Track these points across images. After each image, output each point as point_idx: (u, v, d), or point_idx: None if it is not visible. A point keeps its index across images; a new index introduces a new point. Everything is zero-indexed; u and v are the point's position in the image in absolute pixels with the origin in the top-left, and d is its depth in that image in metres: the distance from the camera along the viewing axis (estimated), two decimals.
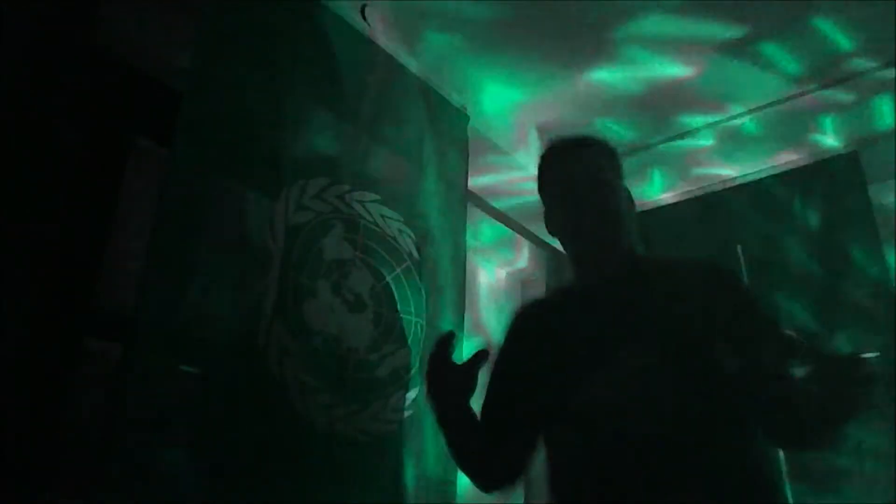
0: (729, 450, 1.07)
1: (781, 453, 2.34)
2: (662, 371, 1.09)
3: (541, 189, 1.38)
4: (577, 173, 1.28)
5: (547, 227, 1.39)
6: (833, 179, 2.76)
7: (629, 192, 1.32)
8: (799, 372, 1.07)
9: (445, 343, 1.24)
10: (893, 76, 2.54)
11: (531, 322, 1.36)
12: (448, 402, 1.25)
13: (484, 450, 1.27)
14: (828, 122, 2.82)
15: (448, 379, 1.22)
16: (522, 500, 2.91)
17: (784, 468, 2.46)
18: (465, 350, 1.87)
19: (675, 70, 2.68)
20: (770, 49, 2.55)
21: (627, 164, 1.36)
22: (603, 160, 1.30)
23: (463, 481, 1.99)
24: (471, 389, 1.24)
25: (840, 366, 1.05)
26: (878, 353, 2.46)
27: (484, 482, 1.32)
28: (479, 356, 1.22)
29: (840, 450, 2.36)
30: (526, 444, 1.28)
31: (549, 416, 1.20)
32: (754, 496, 1.07)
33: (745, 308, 1.20)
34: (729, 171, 3.12)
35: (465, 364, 1.23)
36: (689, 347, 1.11)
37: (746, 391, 1.10)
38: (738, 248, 2.88)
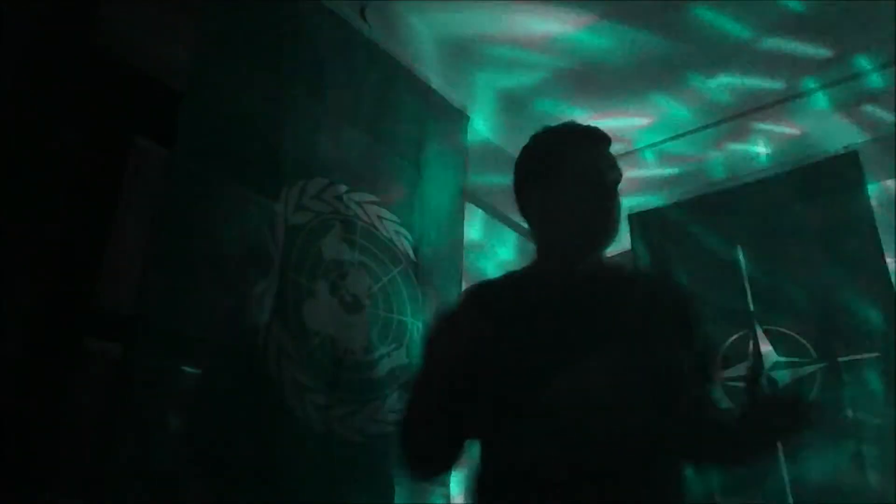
0: (652, 462, 1.09)
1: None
2: (629, 369, 1.10)
3: (547, 163, 1.27)
4: (609, 165, 1.26)
5: (526, 201, 1.29)
6: (833, 179, 2.76)
7: None
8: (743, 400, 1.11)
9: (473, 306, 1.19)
10: (893, 76, 2.54)
11: (491, 303, 1.25)
12: (452, 359, 1.14)
13: (440, 426, 1.18)
14: (828, 121, 2.82)
15: (454, 328, 1.14)
16: None
17: (786, 477, 2.47)
18: None
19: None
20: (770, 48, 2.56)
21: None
22: (616, 161, 1.30)
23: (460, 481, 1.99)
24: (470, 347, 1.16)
25: (780, 407, 1.10)
26: (877, 354, 2.46)
27: (432, 466, 1.26)
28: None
29: (833, 453, 2.38)
30: (472, 429, 1.20)
31: (495, 402, 1.16)
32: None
33: (693, 336, 1.22)
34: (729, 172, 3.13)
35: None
36: (645, 352, 1.12)
37: (671, 412, 1.12)
38: (738, 248, 2.88)
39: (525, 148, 1.34)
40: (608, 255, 1.31)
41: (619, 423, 1.06)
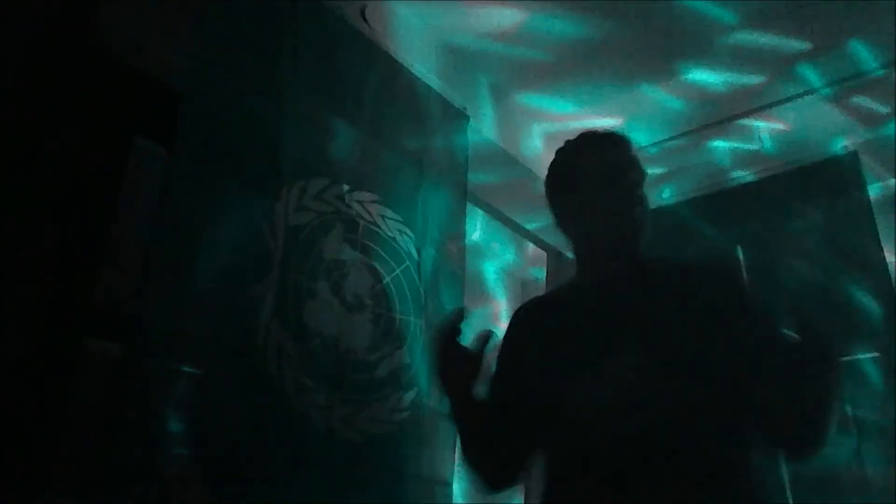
0: (721, 455, 1.07)
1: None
2: (660, 373, 1.09)
3: (572, 172, 1.32)
4: (631, 168, 1.28)
5: (560, 212, 1.34)
6: (833, 179, 2.76)
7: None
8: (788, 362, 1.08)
9: (453, 323, 1.22)
10: (893, 76, 2.54)
11: (534, 318, 1.34)
12: (458, 389, 1.22)
13: (497, 447, 1.25)
14: (827, 122, 2.82)
15: (456, 363, 1.20)
16: (522, 501, 2.91)
17: (785, 476, 2.46)
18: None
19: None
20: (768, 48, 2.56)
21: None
22: (641, 165, 1.31)
23: (462, 482, 1.99)
24: (478, 374, 1.22)
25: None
26: (877, 354, 2.46)
27: (492, 480, 1.29)
28: (484, 338, 1.21)
29: (833, 451, 2.37)
30: (527, 443, 1.26)
31: (547, 414, 1.19)
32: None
33: (745, 308, 1.20)
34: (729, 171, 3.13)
35: (471, 348, 1.21)
36: (689, 350, 1.11)
37: (743, 395, 1.10)
38: (738, 248, 2.88)
39: (551, 164, 1.40)
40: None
41: (659, 423, 1.05)
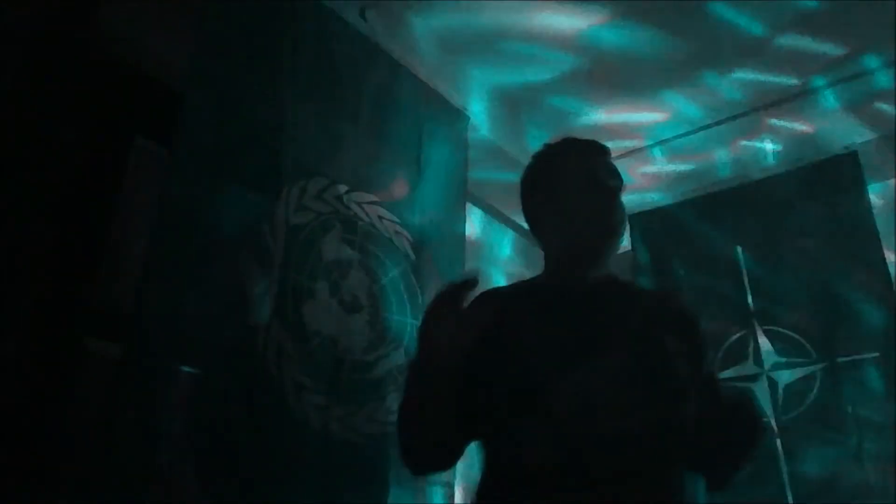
0: (663, 472, 1.11)
1: None
2: (625, 377, 1.11)
3: (549, 175, 1.32)
4: (611, 176, 1.29)
5: (533, 213, 1.34)
6: (833, 179, 2.76)
7: None
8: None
9: (466, 287, 1.10)
10: (893, 76, 2.54)
11: (503, 309, 1.23)
12: (447, 349, 1.10)
13: (442, 423, 1.16)
14: (827, 122, 2.82)
15: (454, 324, 1.09)
16: None
17: (785, 476, 2.47)
18: None
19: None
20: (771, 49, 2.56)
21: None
22: (618, 170, 1.32)
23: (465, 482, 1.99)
24: (466, 345, 1.13)
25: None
26: (877, 354, 2.46)
27: (428, 459, 1.24)
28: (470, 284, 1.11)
29: (833, 451, 2.39)
30: (473, 428, 1.20)
31: (507, 408, 1.16)
32: None
33: (698, 348, 1.25)
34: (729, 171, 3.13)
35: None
36: (651, 367, 1.13)
37: (680, 423, 1.14)
38: (738, 248, 2.88)
39: (529, 164, 1.40)
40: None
41: (620, 427, 1.07)
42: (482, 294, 1.33)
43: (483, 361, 1.16)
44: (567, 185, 1.28)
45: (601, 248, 1.27)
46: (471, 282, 1.11)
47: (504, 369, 1.17)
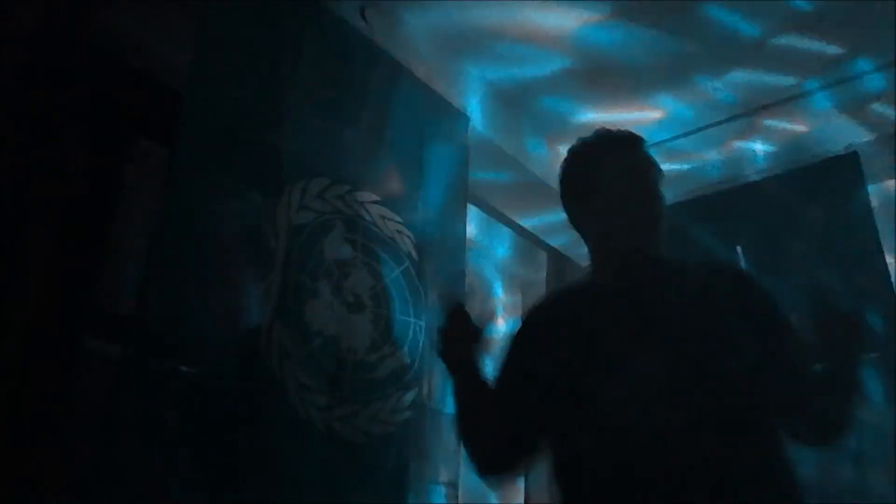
0: (750, 454, 1.07)
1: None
2: (686, 372, 1.09)
3: (588, 171, 1.33)
4: (649, 166, 1.30)
5: (575, 212, 1.35)
6: (833, 179, 2.76)
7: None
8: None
9: (461, 300, 1.27)
10: (893, 76, 2.54)
11: (555, 314, 1.32)
12: (464, 362, 1.24)
13: (496, 427, 1.23)
14: (827, 122, 2.83)
15: (464, 336, 1.23)
16: (522, 500, 2.91)
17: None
18: None
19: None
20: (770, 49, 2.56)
21: None
22: (655, 159, 1.32)
23: (467, 483, 1.99)
24: (483, 348, 1.25)
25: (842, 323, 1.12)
26: (877, 354, 2.46)
27: (488, 463, 1.27)
28: (489, 313, 1.26)
29: (833, 453, 2.37)
30: (532, 435, 1.24)
31: (566, 409, 1.18)
32: (774, 497, 1.06)
33: (766, 312, 1.21)
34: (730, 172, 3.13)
35: (476, 323, 1.25)
36: (712, 350, 1.11)
37: (766, 392, 1.11)
38: (738, 248, 2.88)
39: (565, 162, 1.39)
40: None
41: (688, 418, 1.05)
42: (536, 304, 1.39)
43: (540, 369, 1.21)
44: (607, 180, 1.28)
45: (647, 240, 1.27)
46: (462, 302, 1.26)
47: (556, 376, 1.18)
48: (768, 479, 1.06)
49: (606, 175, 1.28)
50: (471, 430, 1.27)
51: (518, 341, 1.31)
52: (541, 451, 1.25)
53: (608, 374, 1.12)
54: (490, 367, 1.30)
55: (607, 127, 1.37)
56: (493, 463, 1.28)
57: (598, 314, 1.23)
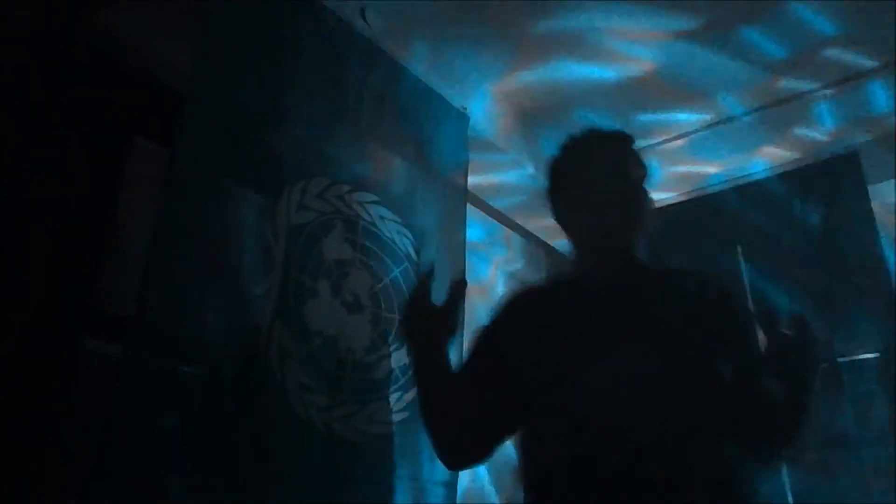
0: (715, 457, 1.09)
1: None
2: (658, 371, 1.09)
3: (575, 167, 1.32)
4: (636, 165, 1.29)
5: (560, 206, 1.34)
6: (833, 179, 2.76)
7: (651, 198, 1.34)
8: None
9: (424, 281, 1.21)
10: (893, 76, 2.54)
11: (530, 307, 1.32)
12: (426, 345, 1.20)
13: (462, 415, 1.21)
14: (827, 122, 2.83)
15: (427, 319, 1.18)
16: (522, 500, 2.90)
17: (786, 477, 2.47)
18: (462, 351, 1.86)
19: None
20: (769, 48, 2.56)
21: None
22: (643, 163, 1.32)
23: (462, 483, 1.99)
24: (452, 331, 1.21)
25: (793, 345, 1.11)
26: (877, 354, 2.46)
27: (453, 452, 1.25)
28: (458, 290, 1.20)
29: (833, 451, 2.38)
30: (505, 426, 1.23)
31: (535, 403, 1.17)
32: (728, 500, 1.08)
33: (739, 329, 1.22)
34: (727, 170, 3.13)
35: (445, 304, 1.20)
36: (684, 352, 1.12)
37: (725, 404, 1.12)
38: (738, 248, 2.88)
39: (553, 156, 1.39)
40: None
41: (657, 420, 1.05)
42: (512, 294, 1.37)
43: (510, 360, 1.20)
44: (593, 178, 1.28)
45: (629, 238, 1.27)
46: (428, 274, 1.22)
47: (528, 367, 1.18)
48: (721, 488, 1.07)
49: (593, 172, 1.28)
50: (434, 416, 1.23)
51: (491, 329, 1.30)
52: (506, 441, 1.24)
53: (579, 368, 1.12)
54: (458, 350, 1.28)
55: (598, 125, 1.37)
56: (459, 451, 1.26)
57: (574, 309, 1.23)
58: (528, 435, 1.20)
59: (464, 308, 1.26)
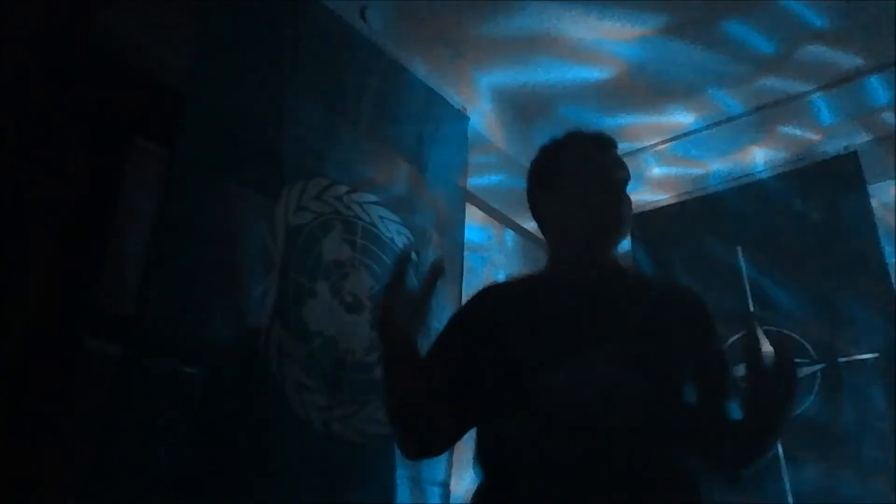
0: (675, 462, 1.10)
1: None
2: (628, 372, 1.10)
3: (554, 174, 1.33)
4: (616, 169, 1.29)
5: (539, 207, 1.34)
6: (833, 179, 2.76)
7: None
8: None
9: (400, 265, 1.21)
10: (894, 77, 2.54)
11: (501, 301, 1.30)
12: (394, 333, 1.18)
13: (423, 406, 1.18)
14: (827, 121, 2.83)
15: (400, 307, 1.17)
16: None
17: (786, 477, 2.47)
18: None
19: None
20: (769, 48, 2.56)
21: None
22: (624, 162, 1.32)
23: (465, 484, 1.99)
24: (422, 320, 1.20)
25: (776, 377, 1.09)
26: (877, 354, 2.46)
27: (418, 445, 1.24)
28: (434, 275, 1.19)
29: (833, 451, 2.38)
30: (467, 419, 1.22)
31: (502, 398, 1.16)
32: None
33: (707, 340, 1.23)
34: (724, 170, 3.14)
35: (420, 291, 1.20)
36: (655, 356, 1.12)
37: (689, 409, 1.14)
38: (738, 248, 2.88)
39: (535, 157, 1.39)
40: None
41: (620, 420, 1.06)
42: (483, 288, 1.35)
43: (476, 353, 1.19)
44: (572, 179, 1.28)
45: (606, 241, 1.27)
46: (403, 259, 1.22)
47: (496, 362, 1.17)
48: (677, 491, 1.08)
49: (574, 173, 1.28)
50: (401, 409, 1.21)
51: (460, 321, 1.30)
52: (466, 432, 1.23)
53: (546, 365, 1.12)
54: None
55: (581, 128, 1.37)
56: (426, 446, 1.25)
57: (545, 307, 1.23)
58: (490, 426, 1.19)
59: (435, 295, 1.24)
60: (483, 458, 1.19)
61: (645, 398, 1.09)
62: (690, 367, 1.16)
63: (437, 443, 1.24)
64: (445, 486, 2.02)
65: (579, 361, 1.11)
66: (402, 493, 1.87)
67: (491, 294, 1.33)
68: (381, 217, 2.08)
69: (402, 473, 1.89)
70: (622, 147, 1.36)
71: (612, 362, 1.10)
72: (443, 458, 2.02)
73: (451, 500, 2.04)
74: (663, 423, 1.09)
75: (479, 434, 1.21)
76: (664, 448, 1.09)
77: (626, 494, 1.03)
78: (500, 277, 3.44)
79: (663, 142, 3.01)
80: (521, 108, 2.92)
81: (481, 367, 1.18)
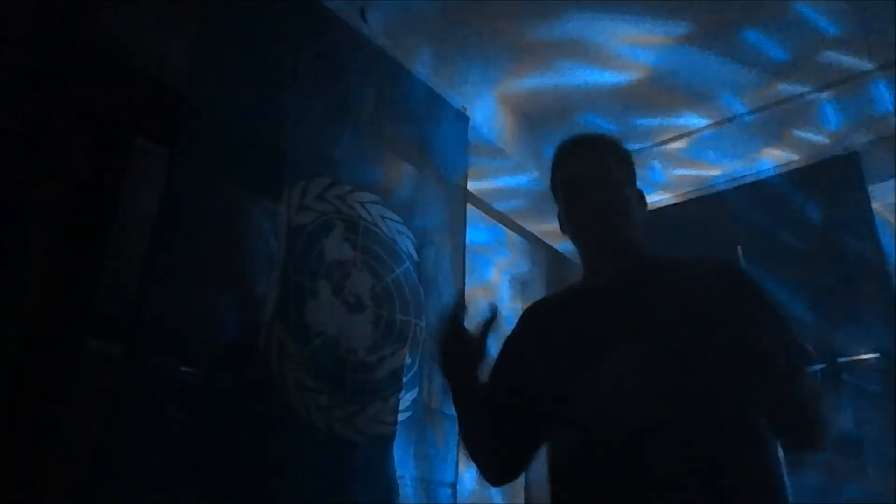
0: (733, 449, 1.06)
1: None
2: (667, 368, 1.08)
3: (553, 189, 1.35)
4: (584, 172, 1.28)
5: (560, 227, 1.36)
6: (833, 179, 2.76)
7: (641, 194, 1.32)
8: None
9: (457, 308, 1.24)
10: (894, 77, 2.54)
11: (540, 317, 1.34)
12: (459, 374, 1.23)
13: (496, 439, 1.25)
14: (829, 123, 2.83)
15: (459, 349, 1.21)
16: (523, 500, 2.91)
17: (786, 474, 2.46)
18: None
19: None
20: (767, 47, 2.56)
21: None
22: (611, 160, 1.29)
23: (467, 485, 1.99)
24: (480, 358, 1.23)
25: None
26: (877, 354, 2.46)
27: (494, 473, 1.29)
28: (489, 321, 1.22)
29: (834, 451, 2.37)
30: (528, 441, 1.26)
31: (551, 412, 1.19)
32: (757, 496, 1.05)
33: (757, 310, 1.17)
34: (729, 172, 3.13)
35: (475, 333, 1.22)
36: (694, 347, 1.09)
37: (754, 393, 1.10)
38: (739, 248, 2.88)
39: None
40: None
41: (659, 418, 1.04)
42: (529, 306, 1.40)
43: (529, 372, 1.22)
44: (571, 186, 1.29)
45: (620, 237, 1.25)
46: (460, 304, 1.26)
47: (542, 378, 1.20)
48: (752, 481, 1.06)
49: (571, 180, 1.30)
50: (473, 443, 1.29)
51: (510, 343, 1.33)
52: (538, 449, 1.27)
53: (585, 374, 1.13)
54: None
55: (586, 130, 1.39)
56: (499, 472, 1.30)
57: (581, 314, 1.24)
58: (553, 444, 1.22)
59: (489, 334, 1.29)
60: (548, 471, 1.20)
61: (685, 390, 1.06)
62: (742, 344, 1.09)
63: (512, 468, 1.29)
64: (451, 485, 2.02)
65: (606, 366, 1.11)
66: (405, 493, 1.87)
67: (534, 313, 1.36)
68: (383, 216, 2.08)
69: (403, 473, 1.89)
70: (631, 147, 1.36)
71: (643, 361, 1.09)
72: (451, 458, 2.02)
73: (456, 500, 2.04)
74: (714, 414, 1.06)
75: (547, 447, 1.24)
76: (720, 439, 1.05)
77: (693, 496, 1.00)
78: (503, 280, 3.44)
79: (666, 142, 3.01)
80: (524, 111, 2.92)
81: (535, 385, 1.21)
